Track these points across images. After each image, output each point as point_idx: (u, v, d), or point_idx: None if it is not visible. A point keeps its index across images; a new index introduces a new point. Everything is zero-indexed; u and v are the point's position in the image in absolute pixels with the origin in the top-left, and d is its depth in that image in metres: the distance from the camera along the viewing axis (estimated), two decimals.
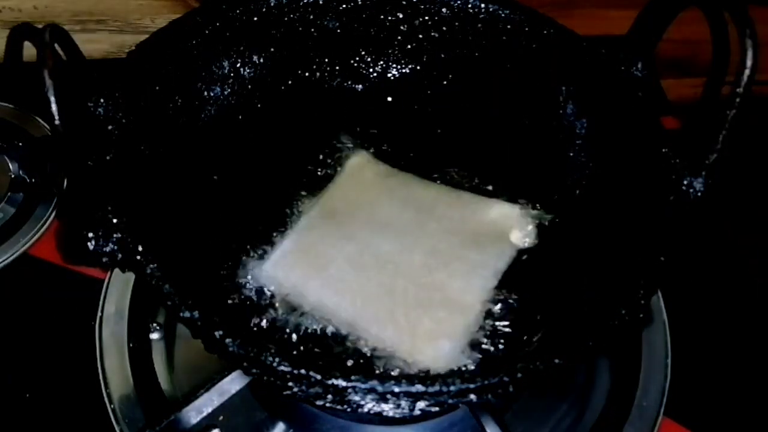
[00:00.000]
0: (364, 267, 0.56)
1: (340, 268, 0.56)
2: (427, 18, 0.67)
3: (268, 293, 0.56)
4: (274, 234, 0.60)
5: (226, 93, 0.64)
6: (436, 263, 0.57)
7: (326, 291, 0.55)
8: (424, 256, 0.57)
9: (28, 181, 0.72)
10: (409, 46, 0.69)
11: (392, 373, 0.52)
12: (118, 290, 0.63)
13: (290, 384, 0.42)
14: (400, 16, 0.67)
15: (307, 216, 0.61)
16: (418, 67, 0.70)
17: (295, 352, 0.53)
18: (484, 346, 0.54)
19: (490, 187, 0.64)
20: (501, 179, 0.65)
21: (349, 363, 0.53)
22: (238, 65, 0.65)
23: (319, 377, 0.40)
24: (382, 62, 0.70)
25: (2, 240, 0.67)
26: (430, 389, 0.40)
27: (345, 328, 0.54)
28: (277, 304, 0.56)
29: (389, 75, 0.70)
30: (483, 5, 0.64)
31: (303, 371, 0.41)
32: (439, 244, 0.58)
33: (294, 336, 0.54)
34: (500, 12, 0.64)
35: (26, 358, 0.61)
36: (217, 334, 0.42)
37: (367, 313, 0.54)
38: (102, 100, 0.51)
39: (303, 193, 0.63)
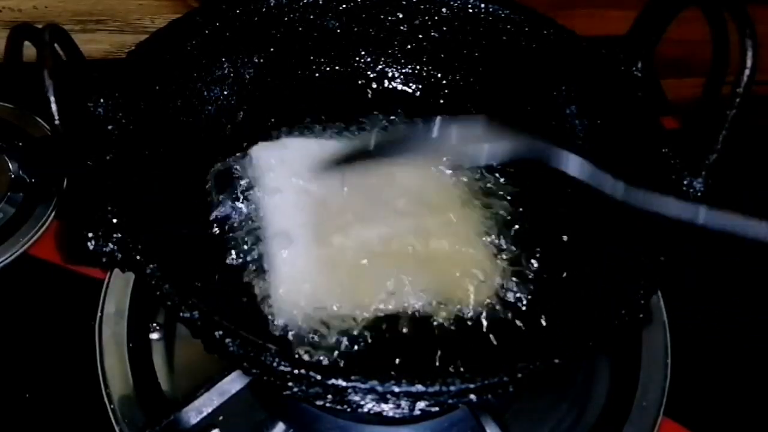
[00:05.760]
0: (360, 251, 0.56)
1: (336, 258, 0.56)
2: (427, 18, 0.67)
3: (267, 292, 0.56)
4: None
5: (226, 93, 0.64)
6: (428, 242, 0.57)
7: (324, 287, 0.55)
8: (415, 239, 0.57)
9: (28, 181, 0.72)
10: (409, 46, 0.69)
11: (391, 374, 0.52)
12: (118, 290, 0.63)
13: (290, 384, 0.42)
14: (400, 16, 0.67)
15: (307, 214, 0.60)
16: (418, 67, 0.70)
17: (293, 350, 0.53)
18: (482, 345, 0.54)
19: (489, 187, 0.64)
20: (501, 179, 0.65)
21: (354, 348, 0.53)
22: (238, 65, 0.65)
23: (319, 377, 0.40)
24: (382, 62, 0.70)
25: (2, 240, 0.67)
26: (430, 389, 0.40)
27: (341, 320, 0.54)
28: (276, 302, 0.55)
29: (389, 75, 0.70)
30: (483, 5, 0.64)
31: (303, 371, 0.41)
32: (428, 224, 0.58)
33: (294, 334, 0.54)
34: (500, 12, 0.64)
35: (26, 358, 0.61)
36: (217, 334, 0.42)
37: (361, 296, 0.54)
38: (102, 100, 0.51)
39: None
